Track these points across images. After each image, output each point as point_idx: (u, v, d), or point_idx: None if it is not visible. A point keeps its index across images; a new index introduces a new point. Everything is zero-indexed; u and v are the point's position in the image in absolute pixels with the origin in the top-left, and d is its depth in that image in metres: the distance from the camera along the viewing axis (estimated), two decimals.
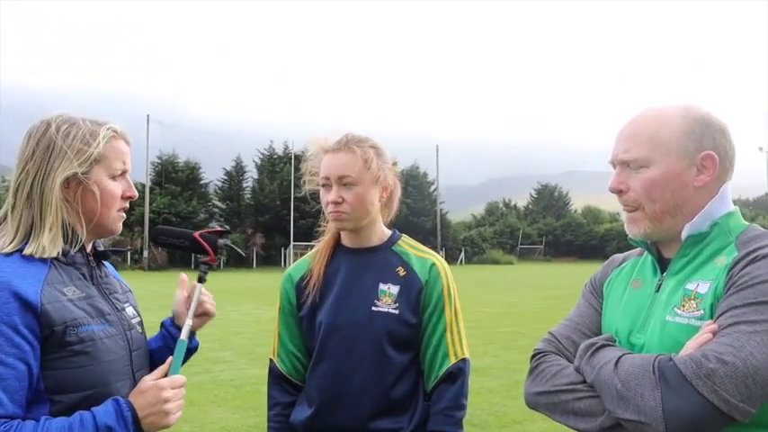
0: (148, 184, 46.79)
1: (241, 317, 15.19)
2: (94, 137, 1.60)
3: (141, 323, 1.75)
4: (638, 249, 1.71)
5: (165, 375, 1.60)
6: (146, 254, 44.08)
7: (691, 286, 1.47)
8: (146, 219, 44.30)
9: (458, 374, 2.05)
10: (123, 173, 1.66)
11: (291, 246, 49.46)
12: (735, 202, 1.57)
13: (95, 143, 1.59)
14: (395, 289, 2.08)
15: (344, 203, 2.06)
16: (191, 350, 1.81)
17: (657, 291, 1.55)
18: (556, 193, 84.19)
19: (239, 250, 1.77)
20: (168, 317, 1.88)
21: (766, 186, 62.72)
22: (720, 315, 1.35)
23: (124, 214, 1.69)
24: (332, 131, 2.14)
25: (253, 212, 53.69)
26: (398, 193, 2.22)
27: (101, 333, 1.54)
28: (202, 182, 53.80)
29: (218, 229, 1.78)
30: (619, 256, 1.80)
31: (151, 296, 20.38)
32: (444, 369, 2.04)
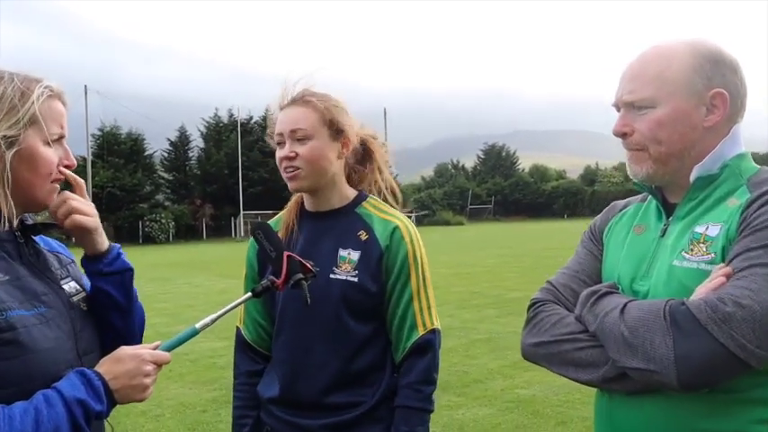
0: (90, 157, 45.44)
1: (192, 289, 15.01)
2: (27, 96, 1.39)
3: (87, 299, 1.56)
4: (641, 195, 1.63)
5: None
6: None
7: (699, 229, 1.39)
8: (89, 194, 43.05)
9: (426, 347, 1.95)
10: (60, 138, 1.47)
11: (241, 215, 48.94)
12: None
13: (29, 103, 1.38)
14: (355, 255, 1.95)
15: (298, 158, 1.92)
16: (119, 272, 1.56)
17: (663, 236, 1.47)
18: (503, 153, 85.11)
19: (307, 297, 1.59)
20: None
21: None
22: (734, 257, 1.28)
23: (59, 186, 1.49)
24: (291, 88, 2.00)
25: (200, 182, 52.86)
26: (379, 156, 2.11)
27: (33, 319, 1.35)
28: (146, 153, 52.54)
29: (309, 266, 1.61)
30: (620, 203, 1.70)
31: None
32: (412, 341, 1.94)
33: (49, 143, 1.43)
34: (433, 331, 1.98)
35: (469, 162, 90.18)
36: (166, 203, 52.04)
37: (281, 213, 2.12)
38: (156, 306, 11.81)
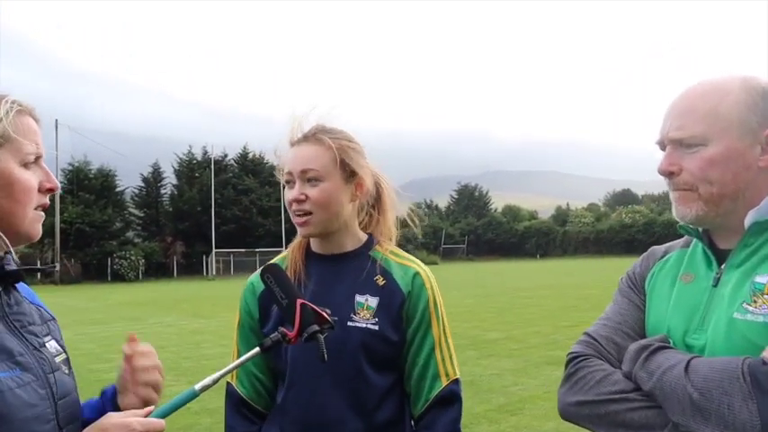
0: (59, 192, 44.73)
1: (163, 329, 14.67)
2: None
3: (68, 361, 1.36)
4: (683, 240, 1.53)
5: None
6: (57, 267, 42.05)
7: (761, 279, 1.28)
8: (56, 230, 42.24)
9: (451, 398, 1.82)
10: (37, 158, 1.29)
11: (213, 253, 48.40)
12: None
13: None
14: (373, 301, 1.81)
15: (308, 201, 1.79)
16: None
17: (716, 285, 1.36)
18: (476, 193, 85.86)
19: (324, 353, 1.40)
20: (111, 385, 1.45)
21: None
22: None
23: (43, 213, 1.33)
24: (303, 122, 1.87)
25: (172, 220, 52.33)
26: (390, 202, 1.98)
27: (10, 382, 1.16)
28: (118, 189, 51.94)
29: (326, 315, 1.43)
30: (659, 248, 1.59)
31: (65, 312, 19.41)
32: (435, 392, 1.80)
33: (25, 165, 1.26)
34: (456, 381, 1.85)
35: (443, 202, 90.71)
36: (137, 240, 51.33)
37: (284, 254, 1.96)
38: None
